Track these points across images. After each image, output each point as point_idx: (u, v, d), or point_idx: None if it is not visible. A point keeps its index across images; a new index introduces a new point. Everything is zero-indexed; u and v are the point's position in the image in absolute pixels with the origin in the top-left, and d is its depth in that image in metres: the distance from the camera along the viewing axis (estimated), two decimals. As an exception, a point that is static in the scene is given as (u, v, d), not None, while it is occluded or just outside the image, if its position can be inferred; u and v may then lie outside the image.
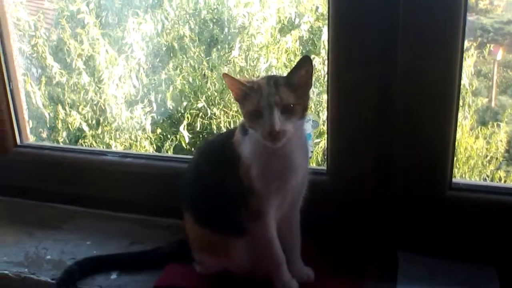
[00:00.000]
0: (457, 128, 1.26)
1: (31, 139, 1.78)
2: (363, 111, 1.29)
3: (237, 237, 1.18)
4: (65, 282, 1.26)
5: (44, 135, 3.64)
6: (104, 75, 3.54)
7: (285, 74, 1.09)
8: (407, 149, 1.27)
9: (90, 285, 1.27)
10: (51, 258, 1.40)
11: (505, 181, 3.52)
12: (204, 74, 3.75)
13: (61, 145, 2.94)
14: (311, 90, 1.10)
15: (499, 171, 3.53)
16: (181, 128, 3.47)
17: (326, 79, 1.34)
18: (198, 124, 3.69)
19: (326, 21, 3.63)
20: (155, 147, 3.70)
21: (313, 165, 2.43)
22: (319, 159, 3.10)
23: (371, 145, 1.30)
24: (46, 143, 2.32)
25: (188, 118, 3.52)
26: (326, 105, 1.35)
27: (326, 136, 1.37)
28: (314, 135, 2.97)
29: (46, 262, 1.38)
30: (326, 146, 1.39)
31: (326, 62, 1.31)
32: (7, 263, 1.38)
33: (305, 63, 1.07)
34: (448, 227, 1.28)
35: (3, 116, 1.68)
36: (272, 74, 1.06)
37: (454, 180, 1.28)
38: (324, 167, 1.39)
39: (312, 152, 3.05)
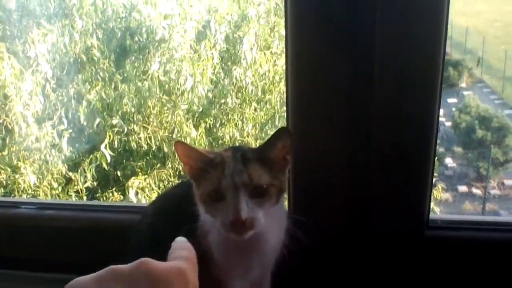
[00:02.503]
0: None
1: None
2: (330, 149, 1.12)
3: None
4: None
5: None
6: (10, 91, 3.18)
7: (254, 146, 0.89)
8: (380, 186, 1.13)
9: None
10: None
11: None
12: (116, 87, 3.50)
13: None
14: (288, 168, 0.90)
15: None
16: (102, 147, 3.17)
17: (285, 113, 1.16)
18: (116, 142, 3.43)
19: (243, 30, 3.58)
20: (67, 166, 3.39)
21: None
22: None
23: (341, 188, 1.14)
24: None
25: (109, 136, 3.23)
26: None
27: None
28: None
29: None
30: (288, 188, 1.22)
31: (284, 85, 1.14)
32: None
33: (282, 136, 0.87)
34: (429, 270, 1.15)
35: None
36: (239, 145, 0.86)
37: (430, 216, 1.16)
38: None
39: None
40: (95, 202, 2.57)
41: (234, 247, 0.91)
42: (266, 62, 3.61)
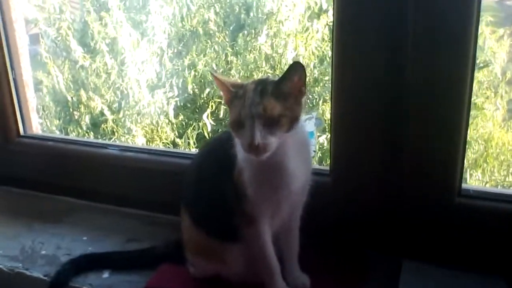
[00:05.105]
0: (469, 129, 1.16)
1: (37, 130, 1.75)
2: (370, 109, 1.20)
3: (233, 243, 1.12)
4: (58, 283, 1.24)
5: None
6: (127, 59, 3.49)
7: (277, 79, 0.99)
8: (415, 151, 1.18)
9: (82, 283, 1.24)
10: (46, 254, 1.38)
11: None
12: (228, 60, 3.67)
13: (64, 136, 2.85)
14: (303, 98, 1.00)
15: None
16: (204, 116, 3.40)
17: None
18: (221, 112, 3.63)
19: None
20: (176, 133, 3.66)
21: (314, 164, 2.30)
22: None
23: (378, 147, 1.22)
24: (51, 135, 2.27)
25: (212, 106, 3.44)
26: (329, 102, 1.26)
27: (329, 134, 1.29)
28: (317, 133, 2.87)
29: (41, 257, 1.36)
30: (329, 145, 1.31)
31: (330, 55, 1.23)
32: (2, 257, 1.37)
33: (296, 70, 0.98)
34: (456, 236, 1.19)
35: (4, 106, 1.66)
36: (266, 77, 0.99)
37: (464, 186, 1.19)
38: (327, 167, 1.32)
39: (314, 151, 2.96)
40: (167, 149, 2.78)
41: (265, 183, 1.04)
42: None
